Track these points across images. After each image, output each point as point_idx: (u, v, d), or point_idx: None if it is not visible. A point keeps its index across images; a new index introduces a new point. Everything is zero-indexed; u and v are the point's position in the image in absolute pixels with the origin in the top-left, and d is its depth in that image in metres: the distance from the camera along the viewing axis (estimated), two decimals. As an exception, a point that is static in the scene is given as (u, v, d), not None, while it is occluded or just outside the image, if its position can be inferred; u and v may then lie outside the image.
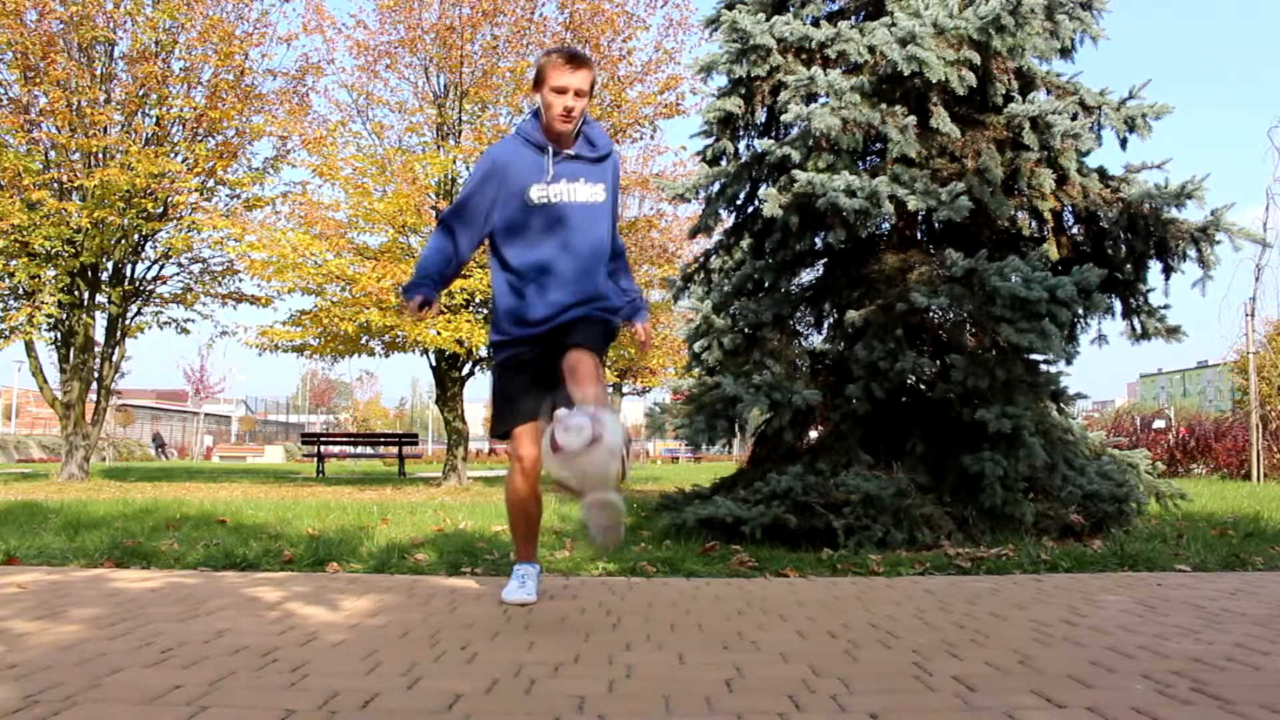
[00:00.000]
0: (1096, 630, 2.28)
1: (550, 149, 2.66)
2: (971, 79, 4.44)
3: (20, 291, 11.24)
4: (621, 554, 3.70)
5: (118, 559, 3.49)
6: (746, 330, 4.89)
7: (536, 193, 2.62)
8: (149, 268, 12.40)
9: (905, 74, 4.38)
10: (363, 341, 11.05)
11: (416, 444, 16.23)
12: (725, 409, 4.39)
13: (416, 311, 2.66)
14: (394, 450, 16.53)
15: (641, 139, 12.56)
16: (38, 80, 10.87)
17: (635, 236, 13.77)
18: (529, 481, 2.70)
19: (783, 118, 4.71)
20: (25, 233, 10.41)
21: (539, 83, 2.65)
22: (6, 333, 10.94)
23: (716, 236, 5.65)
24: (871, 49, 4.57)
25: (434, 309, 2.70)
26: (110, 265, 11.93)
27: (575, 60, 2.63)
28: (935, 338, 4.70)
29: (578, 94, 2.61)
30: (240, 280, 12.41)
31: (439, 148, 11.25)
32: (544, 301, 2.62)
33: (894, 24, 4.50)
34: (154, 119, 11.67)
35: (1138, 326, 4.85)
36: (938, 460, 4.34)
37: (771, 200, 4.53)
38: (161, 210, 11.61)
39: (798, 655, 2.00)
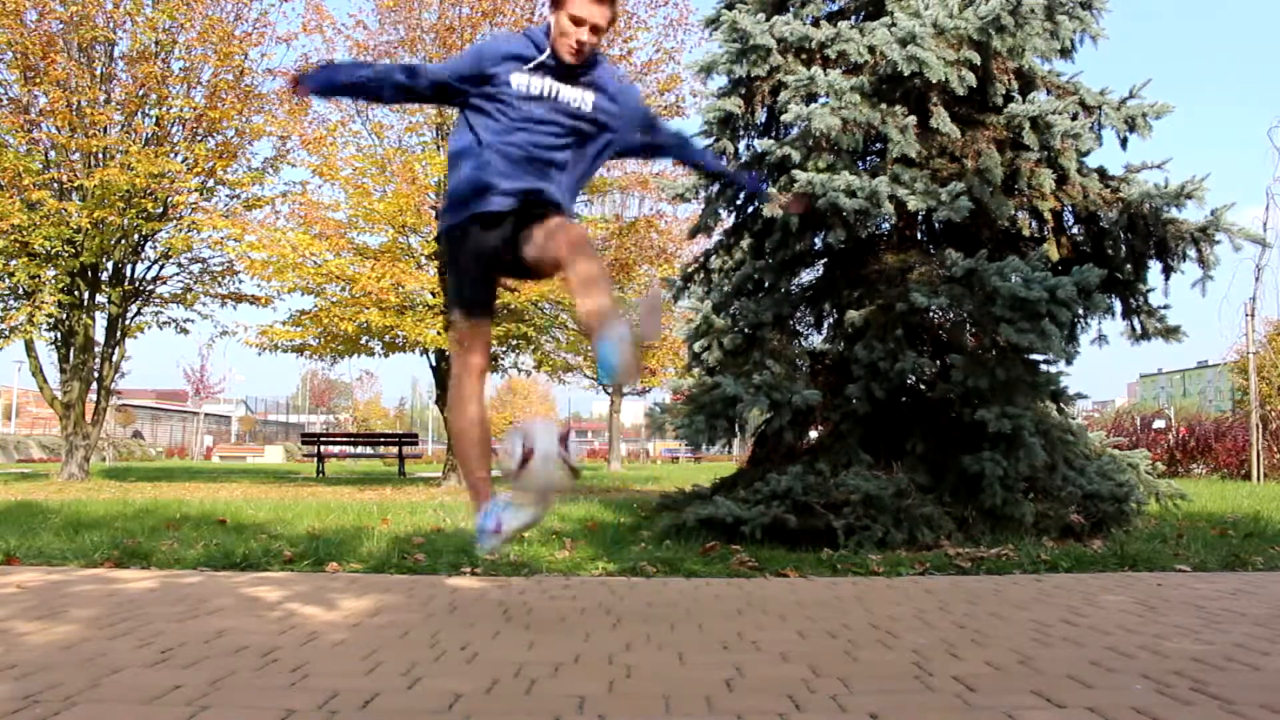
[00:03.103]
0: (1096, 630, 2.28)
1: (549, 57, 2.47)
2: (971, 79, 4.44)
3: (20, 291, 11.24)
4: (621, 554, 3.70)
5: (117, 559, 3.49)
6: (746, 330, 4.89)
7: (518, 79, 2.45)
8: (149, 268, 12.40)
9: (905, 74, 4.38)
10: (363, 341, 11.05)
11: (416, 444, 16.24)
12: (725, 409, 4.39)
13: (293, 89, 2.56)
14: (394, 450, 16.54)
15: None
16: (38, 80, 10.87)
17: (635, 236, 13.77)
18: (481, 397, 2.56)
19: (783, 118, 4.71)
20: (25, 233, 10.40)
21: (557, 4, 2.46)
22: (6, 333, 10.94)
23: (716, 236, 5.65)
24: (871, 49, 4.57)
25: (305, 98, 2.61)
26: (110, 265, 11.92)
27: None
28: (935, 338, 4.70)
29: (594, 29, 2.44)
30: (240, 280, 12.42)
31: (439, 148, 11.25)
32: (511, 180, 2.44)
33: (894, 24, 4.50)
34: (154, 119, 11.67)
35: (1138, 326, 4.85)
36: (938, 460, 4.34)
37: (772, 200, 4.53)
38: (161, 210, 11.61)
39: (798, 655, 1.99)
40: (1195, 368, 69.49)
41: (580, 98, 2.54)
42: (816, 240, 4.88)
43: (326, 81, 2.64)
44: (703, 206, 5.28)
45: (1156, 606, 2.64)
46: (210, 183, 12.08)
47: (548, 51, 2.48)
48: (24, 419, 37.11)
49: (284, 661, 1.89)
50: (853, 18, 5.11)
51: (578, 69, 2.51)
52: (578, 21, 2.43)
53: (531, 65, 2.48)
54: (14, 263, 10.64)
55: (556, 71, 2.49)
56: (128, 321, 12.27)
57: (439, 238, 2.67)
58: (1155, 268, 4.73)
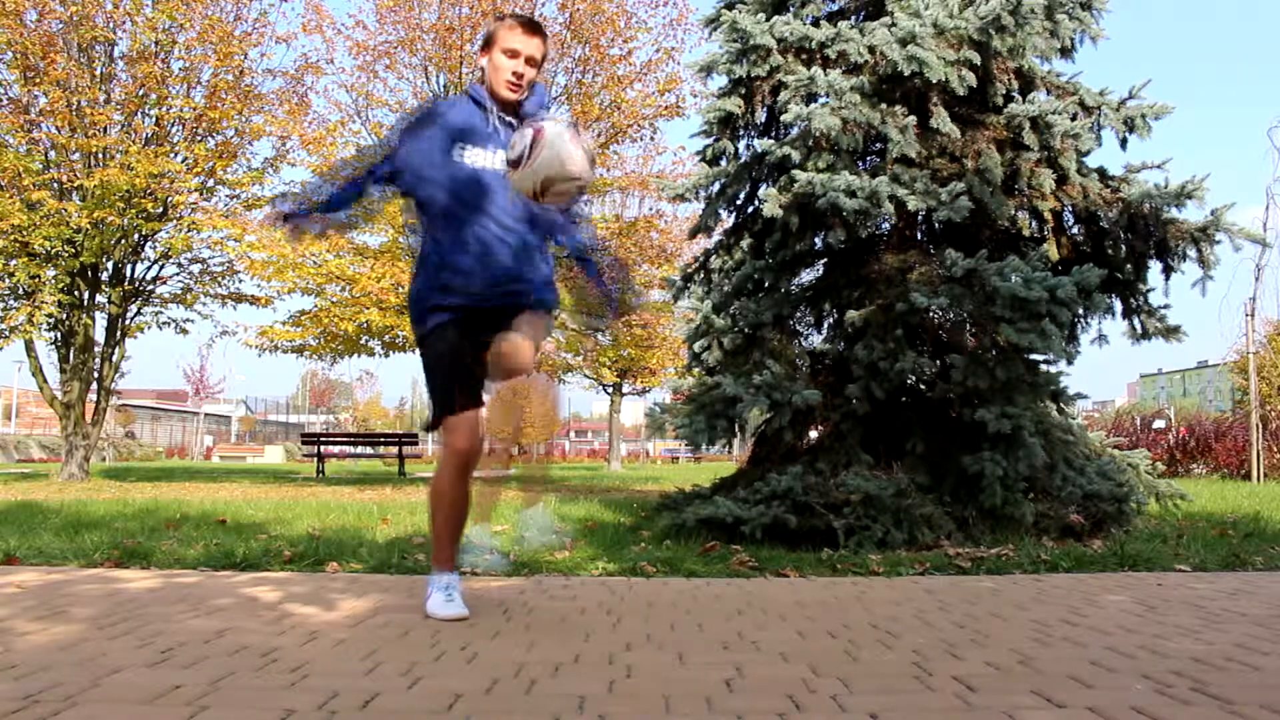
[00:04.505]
0: (1096, 630, 2.28)
1: (493, 109, 2.51)
2: (971, 79, 4.44)
3: (20, 291, 11.24)
4: (621, 554, 3.70)
5: (118, 559, 3.49)
6: (746, 330, 4.89)
7: (459, 151, 2.47)
8: (149, 268, 12.40)
9: (905, 74, 4.38)
10: (362, 341, 11.06)
11: (416, 444, 16.22)
12: (725, 409, 4.39)
13: (277, 221, 2.51)
14: (394, 450, 16.54)
15: (641, 140, 12.57)
16: (38, 80, 10.87)
17: (635, 236, 13.78)
18: (465, 477, 2.56)
19: (783, 118, 4.71)
20: (25, 233, 10.40)
21: (488, 45, 2.51)
22: (6, 333, 10.93)
23: (716, 236, 5.65)
24: (871, 49, 4.57)
25: (299, 237, 2.55)
26: (110, 265, 11.92)
27: (530, 26, 2.51)
28: (935, 338, 4.70)
29: (529, 61, 2.48)
30: (240, 280, 12.42)
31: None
32: (485, 271, 2.45)
33: (894, 24, 4.50)
34: (154, 119, 11.67)
35: (1138, 326, 4.85)
36: (938, 460, 4.34)
37: (771, 200, 4.53)
38: (161, 210, 11.61)
39: (798, 655, 2.00)
40: (1195, 368, 69.52)
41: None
42: (816, 240, 4.88)
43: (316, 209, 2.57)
44: (703, 206, 5.28)
45: (1156, 606, 2.64)
46: (210, 183, 12.08)
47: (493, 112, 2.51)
48: (24, 419, 37.12)
49: (284, 661, 1.89)
50: (853, 18, 5.11)
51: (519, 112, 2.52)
52: (512, 54, 2.47)
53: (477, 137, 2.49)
54: (14, 263, 10.64)
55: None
56: (128, 321, 12.27)
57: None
58: (1155, 268, 4.73)
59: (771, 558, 3.58)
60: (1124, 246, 4.68)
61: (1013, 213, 4.61)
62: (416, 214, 2.59)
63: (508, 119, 2.52)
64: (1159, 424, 14.97)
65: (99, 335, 12.14)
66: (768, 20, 4.84)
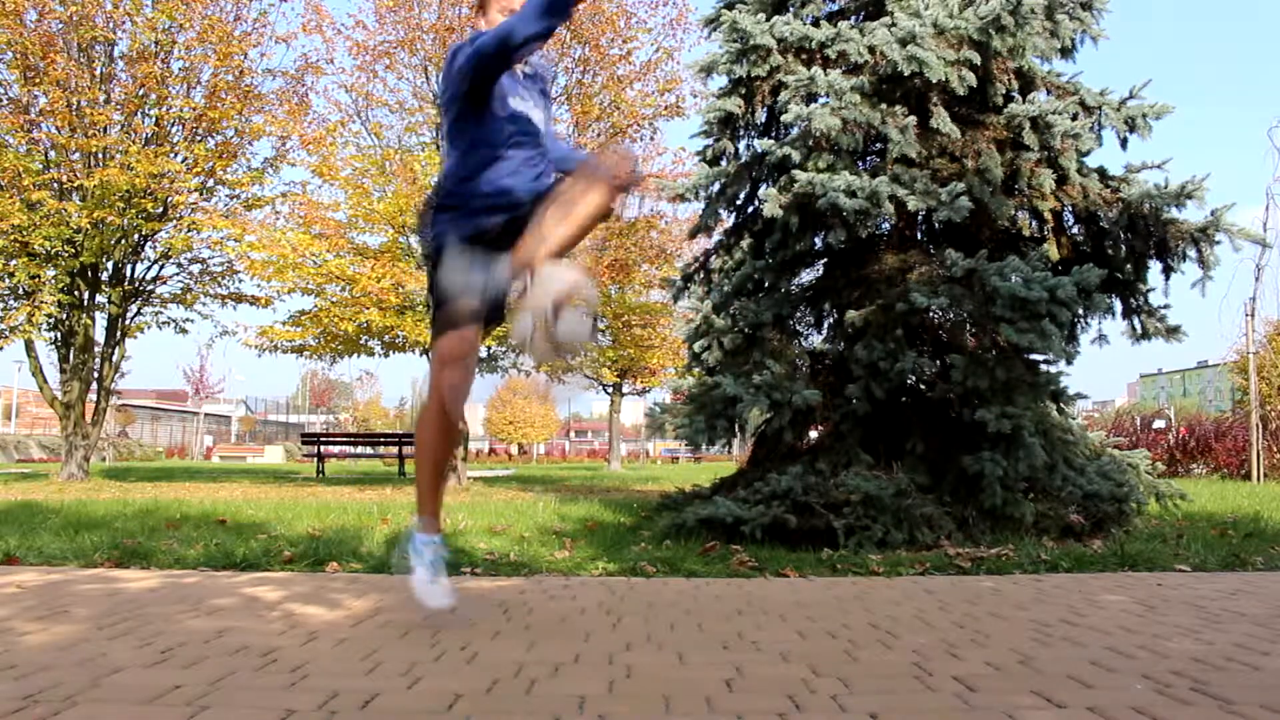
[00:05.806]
0: (1096, 630, 2.28)
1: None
2: (971, 79, 4.44)
3: (20, 291, 11.23)
4: (621, 554, 3.70)
5: (117, 559, 3.49)
6: (746, 330, 4.89)
7: (515, 101, 2.51)
8: (149, 268, 12.40)
9: (905, 74, 4.38)
10: (362, 341, 11.05)
11: (416, 444, 16.26)
12: (725, 409, 4.39)
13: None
14: (394, 450, 16.54)
15: (641, 140, 12.58)
16: (38, 80, 10.86)
17: (635, 236, 13.78)
18: (447, 420, 2.50)
19: (783, 118, 4.71)
20: (25, 233, 10.40)
21: (484, 8, 2.57)
22: (6, 332, 10.93)
23: (716, 236, 5.65)
24: (871, 49, 4.57)
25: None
26: (110, 265, 11.92)
27: None
28: (935, 338, 4.70)
29: None
30: (240, 280, 12.42)
31: (438, 147, 11.26)
32: (508, 192, 2.45)
33: (894, 24, 4.50)
34: (153, 119, 11.67)
35: (1138, 326, 4.86)
36: (938, 460, 4.34)
37: (771, 200, 4.53)
38: (161, 210, 11.60)
39: (798, 655, 1.99)
40: (1195, 368, 69.55)
41: (544, 119, 2.61)
42: (816, 240, 4.88)
43: None
44: (703, 206, 5.28)
45: (1156, 606, 2.64)
46: (210, 183, 12.07)
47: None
48: (24, 419, 37.13)
49: (284, 661, 1.89)
50: (853, 18, 5.11)
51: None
52: (511, 11, 2.48)
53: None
54: (14, 263, 10.63)
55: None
56: (128, 321, 12.26)
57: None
58: (1155, 268, 4.73)
59: (771, 558, 3.58)
60: (1124, 246, 4.68)
61: (1013, 213, 4.62)
62: (454, 128, 2.52)
63: (523, 71, 2.58)
64: (1159, 424, 14.97)
65: (99, 335, 12.13)
66: (768, 20, 4.84)
